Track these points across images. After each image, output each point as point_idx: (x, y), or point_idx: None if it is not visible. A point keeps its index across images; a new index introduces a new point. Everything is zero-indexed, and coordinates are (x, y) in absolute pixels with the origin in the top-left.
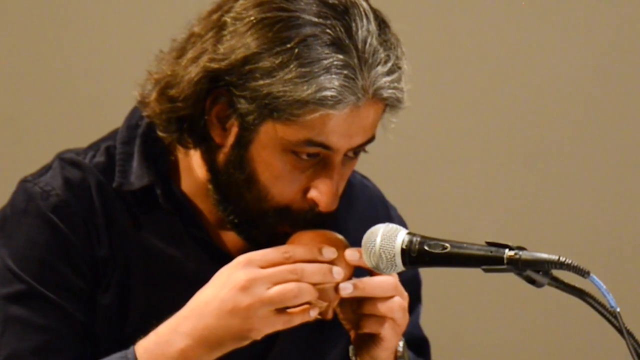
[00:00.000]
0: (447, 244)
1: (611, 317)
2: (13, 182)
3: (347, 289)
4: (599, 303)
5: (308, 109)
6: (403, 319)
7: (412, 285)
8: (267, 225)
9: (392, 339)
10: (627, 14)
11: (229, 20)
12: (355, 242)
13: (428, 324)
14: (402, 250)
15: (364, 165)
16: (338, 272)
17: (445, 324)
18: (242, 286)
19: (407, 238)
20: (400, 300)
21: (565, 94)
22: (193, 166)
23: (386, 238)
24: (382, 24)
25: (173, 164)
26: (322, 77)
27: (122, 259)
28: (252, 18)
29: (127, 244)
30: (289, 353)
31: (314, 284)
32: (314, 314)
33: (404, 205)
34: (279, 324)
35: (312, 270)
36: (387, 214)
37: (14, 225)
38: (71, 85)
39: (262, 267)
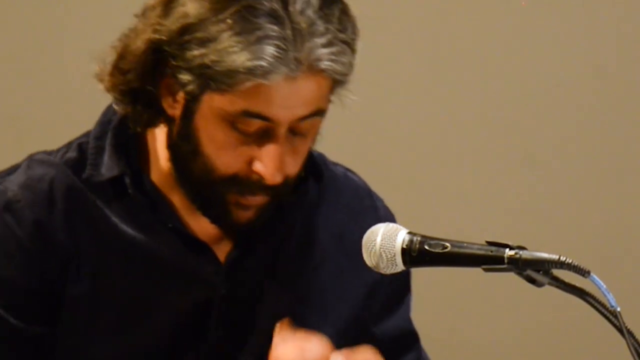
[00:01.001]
0: (447, 244)
1: (611, 316)
2: None
3: None
4: (599, 302)
5: (240, 78)
6: None
7: (401, 274)
8: (217, 195)
9: None
10: (627, 13)
11: None
12: (342, 232)
13: (428, 323)
14: (403, 249)
15: (367, 164)
16: None
17: (445, 323)
18: None
19: (407, 237)
20: None
21: (566, 93)
22: (162, 155)
23: (386, 237)
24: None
25: (144, 156)
26: (254, 47)
27: (92, 249)
28: None
29: (98, 235)
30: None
31: None
32: None
33: (404, 205)
34: None
35: None
36: (373, 204)
37: None
38: (72, 84)
39: None
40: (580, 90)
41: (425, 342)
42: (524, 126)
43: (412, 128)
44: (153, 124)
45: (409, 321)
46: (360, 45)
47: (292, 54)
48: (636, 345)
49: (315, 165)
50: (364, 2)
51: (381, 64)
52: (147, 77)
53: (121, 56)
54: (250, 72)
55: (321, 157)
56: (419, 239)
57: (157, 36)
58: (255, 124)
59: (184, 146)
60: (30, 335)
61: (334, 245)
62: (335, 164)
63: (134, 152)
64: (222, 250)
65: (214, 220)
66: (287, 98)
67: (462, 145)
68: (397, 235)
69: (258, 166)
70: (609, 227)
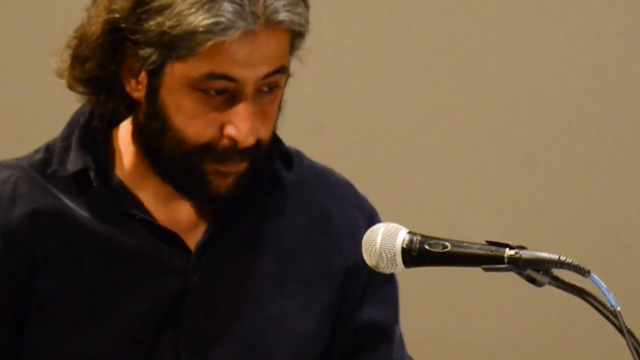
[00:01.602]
0: (447, 243)
1: (611, 316)
2: None
3: None
4: (600, 302)
5: (200, 39)
6: None
7: (389, 302)
8: (194, 167)
9: None
10: (627, 13)
11: None
12: (325, 215)
13: (428, 323)
14: (403, 249)
15: (366, 167)
16: None
17: (442, 322)
18: None
19: (407, 237)
20: None
21: (564, 93)
22: (128, 150)
23: (387, 237)
24: None
25: (110, 154)
26: (210, 5)
27: (58, 244)
28: None
29: (64, 229)
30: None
31: None
32: None
33: (404, 205)
34: None
35: None
36: (356, 194)
37: None
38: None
39: None
40: (578, 90)
41: (425, 342)
42: (524, 125)
43: (411, 128)
44: (119, 112)
45: (385, 316)
46: (358, 40)
47: (249, 7)
48: (636, 345)
49: (283, 154)
50: (365, 3)
51: (380, 63)
52: (107, 61)
53: (78, 45)
54: (210, 31)
55: (297, 151)
56: (419, 238)
57: (111, 15)
58: (221, 85)
59: (152, 125)
60: None
61: (317, 228)
62: (316, 162)
63: (102, 149)
64: (193, 240)
65: (194, 195)
66: (250, 55)
67: (462, 145)
68: (397, 235)
69: (230, 130)
70: (609, 226)
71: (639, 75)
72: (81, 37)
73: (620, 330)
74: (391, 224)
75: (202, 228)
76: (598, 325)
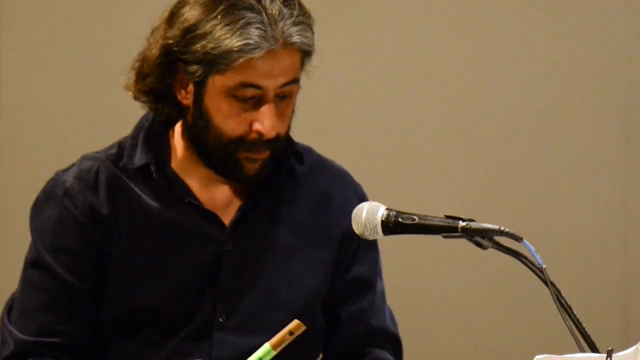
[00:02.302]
0: (415, 217)
1: (539, 272)
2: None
3: None
4: (530, 261)
5: (234, 57)
6: None
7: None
8: (229, 154)
9: None
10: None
11: (175, 10)
12: (328, 198)
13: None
14: (382, 221)
15: (356, 160)
16: None
17: (413, 281)
18: None
19: (385, 212)
20: None
21: (502, 98)
22: (180, 147)
23: (370, 212)
24: None
25: (168, 150)
26: (241, 31)
27: (128, 219)
28: (190, 1)
29: (132, 209)
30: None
31: None
32: None
33: (385, 188)
34: None
35: None
36: (353, 181)
37: (40, 207)
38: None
39: None
40: (509, 89)
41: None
42: (472, 127)
43: (391, 130)
44: (172, 115)
45: (369, 273)
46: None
47: (270, 32)
48: (558, 294)
49: (297, 153)
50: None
51: (363, 64)
52: (164, 76)
53: (141, 65)
54: (241, 50)
55: (308, 147)
56: (394, 213)
57: (166, 41)
58: (250, 92)
59: (198, 124)
60: (81, 289)
61: (321, 207)
62: (322, 156)
63: (161, 148)
64: (228, 217)
65: (230, 177)
66: (271, 69)
67: (427, 146)
68: (378, 211)
69: (257, 126)
70: (535, 204)
71: (535, 78)
72: (143, 60)
73: (545, 283)
74: (374, 203)
75: (234, 207)
76: (528, 279)
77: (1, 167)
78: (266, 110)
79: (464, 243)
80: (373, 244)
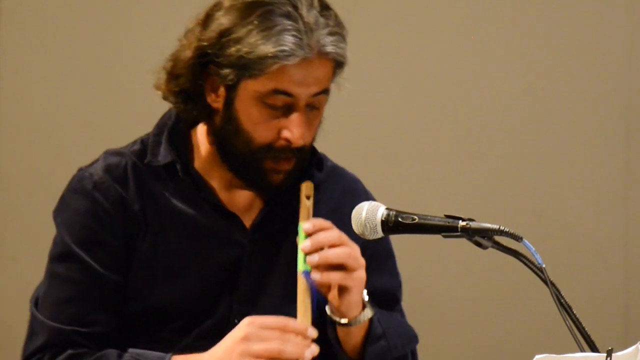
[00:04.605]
0: (415, 217)
1: (539, 271)
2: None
3: (313, 259)
4: (530, 261)
5: (268, 62)
6: (355, 264)
7: (381, 242)
8: (256, 162)
9: (352, 284)
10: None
11: (211, 12)
12: (338, 207)
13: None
14: (382, 221)
15: (356, 163)
16: (313, 350)
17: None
18: (242, 337)
19: (385, 212)
20: (348, 249)
21: (499, 100)
22: (203, 147)
23: (370, 212)
24: (324, 4)
25: (190, 149)
26: (276, 38)
27: (154, 215)
28: (226, 5)
29: (157, 206)
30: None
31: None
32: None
33: (387, 189)
34: None
35: (292, 351)
36: (364, 190)
37: (67, 201)
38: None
39: (261, 328)
40: (512, 99)
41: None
42: (475, 131)
43: (389, 134)
44: (200, 117)
45: (390, 283)
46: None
47: (306, 41)
48: (558, 295)
49: (318, 160)
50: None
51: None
52: (196, 77)
53: (174, 66)
54: (276, 56)
55: (324, 156)
56: (394, 213)
57: (201, 44)
58: (281, 100)
59: (227, 128)
60: (111, 281)
61: (331, 217)
62: (335, 163)
63: (183, 146)
64: (248, 219)
65: (253, 185)
66: (305, 77)
67: (429, 147)
68: (377, 210)
69: (286, 133)
70: (536, 205)
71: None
72: (175, 60)
73: (545, 282)
74: (373, 202)
75: (254, 210)
76: (528, 279)
77: (1, 167)
78: (296, 119)
79: (464, 243)
80: (388, 251)
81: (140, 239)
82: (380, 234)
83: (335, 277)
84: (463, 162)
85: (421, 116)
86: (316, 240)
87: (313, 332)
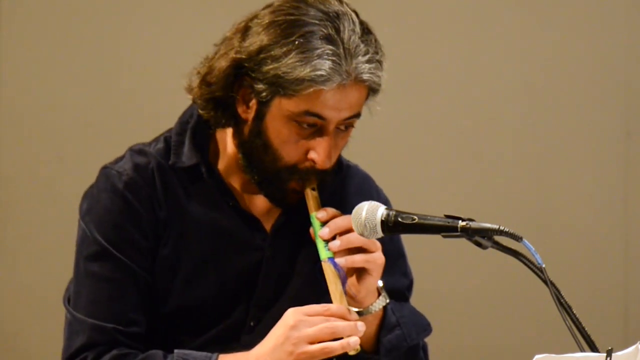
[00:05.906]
0: (415, 216)
1: (538, 271)
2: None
3: (335, 244)
4: (530, 261)
5: (305, 85)
6: (374, 246)
7: (391, 241)
8: (281, 182)
9: (373, 267)
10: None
11: (251, 24)
12: (352, 206)
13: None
14: (382, 221)
15: (367, 161)
16: (362, 325)
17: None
18: (292, 325)
19: (385, 212)
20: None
21: (499, 101)
22: (227, 150)
23: (369, 212)
24: (365, 29)
25: (213, 151)
26: (315, 61)
27: (177, 219)
28: (266, 20)
29: (181, 209)
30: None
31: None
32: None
33: (390, 189)
34: (318, 355)
35: (344, 327)
36: (376, 188)
37: (96, 199)
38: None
39: (308, 315)
40: (513, 96)
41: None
42: (473, 131)
43: (393, 135)
44: (228, 125)
45: (401, 283)
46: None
47: (344, 67)
48: (558, 295)
49: (338, 162)
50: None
51: None
52: (228, 87)
53: (208, 73)
54: (313, 80)
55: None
56: (394, 213)
57: (238, 56)
58: (312, 121)
59: (255, 141)
60: (145, 280)
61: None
62: (348, 161)
63: (207, 148)
64: (268, 223)
65: (272, 198)
66: (339, 102)
67: (428, 148)
68: (377, 210)
69: (313, 155)
70: (536, 205)
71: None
72: (210, 67)
73: (545, 282)
74: (373, 202)
75: (272, 214)
76: (528, 279)
77: (1, 167)
78: (324, 142)
79: (464, 243)
80: (399, 251)
81: (163, 241)
82: (379, 234)
83: (358, 259)
84: (463, 162)
85: (421, 116)
86: (334, 226)
87: (354, 313)
